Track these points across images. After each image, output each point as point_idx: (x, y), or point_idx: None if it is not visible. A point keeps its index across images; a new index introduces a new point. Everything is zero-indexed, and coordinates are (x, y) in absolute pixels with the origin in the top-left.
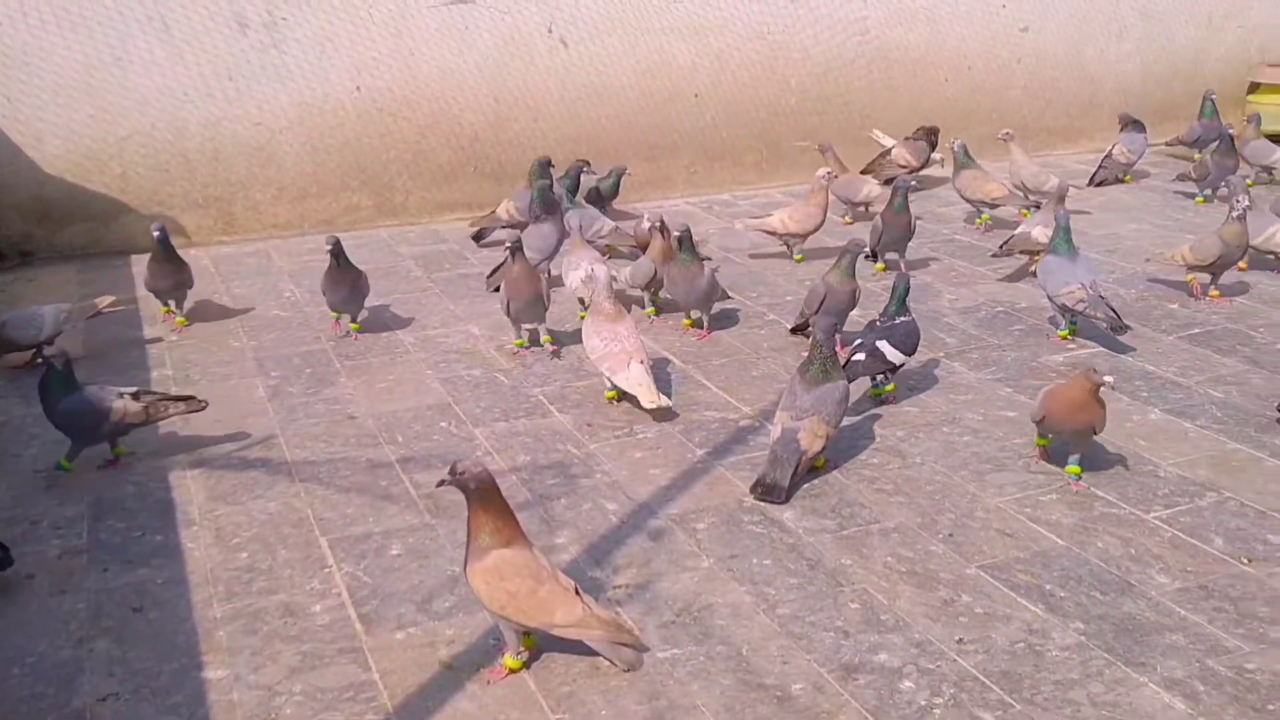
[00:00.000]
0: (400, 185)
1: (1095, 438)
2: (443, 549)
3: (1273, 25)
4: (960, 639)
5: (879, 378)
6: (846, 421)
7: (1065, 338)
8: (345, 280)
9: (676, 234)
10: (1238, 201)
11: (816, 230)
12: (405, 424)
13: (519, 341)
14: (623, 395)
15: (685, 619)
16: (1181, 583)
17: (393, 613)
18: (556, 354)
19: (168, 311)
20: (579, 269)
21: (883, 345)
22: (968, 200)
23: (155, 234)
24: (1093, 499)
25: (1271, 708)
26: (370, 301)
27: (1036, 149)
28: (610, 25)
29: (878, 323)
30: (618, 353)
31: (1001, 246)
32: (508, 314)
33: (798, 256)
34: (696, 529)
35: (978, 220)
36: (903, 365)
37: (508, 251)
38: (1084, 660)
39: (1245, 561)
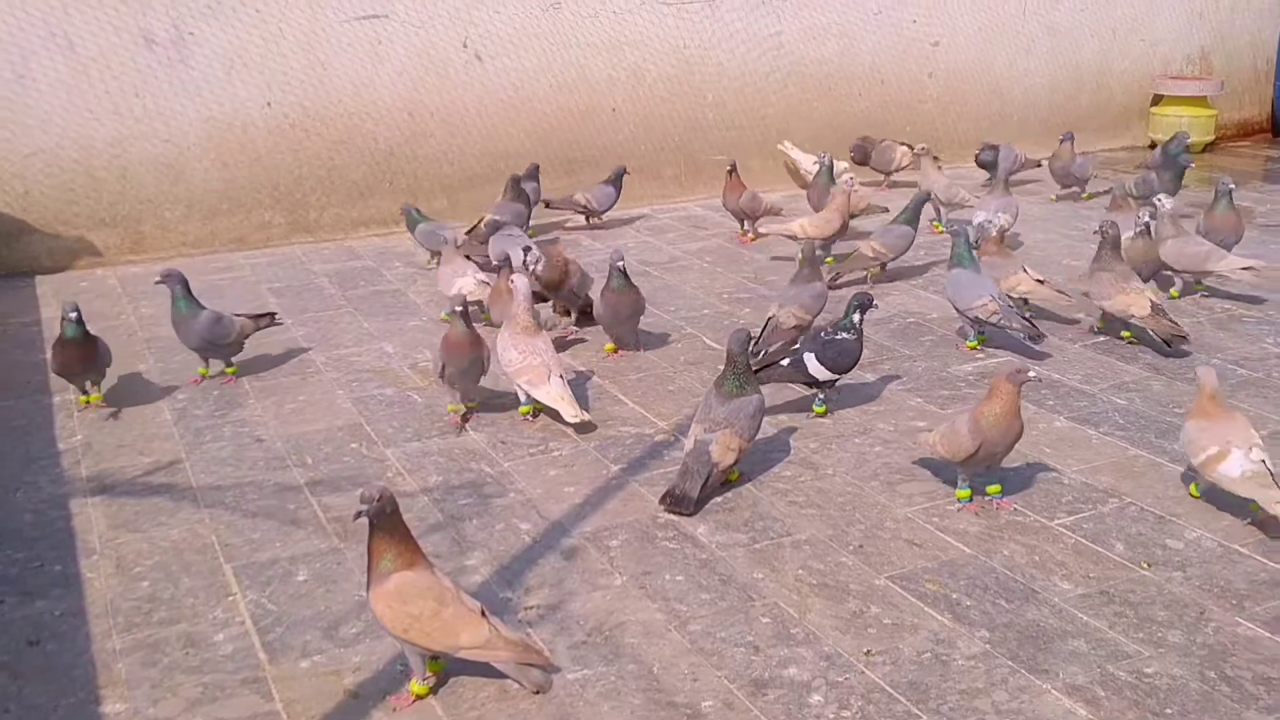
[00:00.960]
0: (314, 202)
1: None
2: (350, 573)
3: (1174, 39)
4: (869, 650)
5: (818, 394)
6: (761, 434)
7: (974, 348)
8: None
9: (620, 263)
10: (1139, 217)
11: (837, 236)
12: (315, 446)
13: (453, 407)
14: (538, 411)
15: (596, 639)
16: (1084, 589)
17: (298, 640)
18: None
19: (86, 401)
20: (465, 276)
21: (808, 358)
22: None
23: (71, 316)
24: (999, 507)
25: (1169, 711)
26: (282, 320)
27: (948, 161)
28: (526, 40)
29: (822, 334)
30: (537, 366)
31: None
32: (440, 376)
33: (829, 259)
34: (610, 546)
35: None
36: (830, 382)
37: (454, 313)
38: (989, 669)
39: (1145, 566)
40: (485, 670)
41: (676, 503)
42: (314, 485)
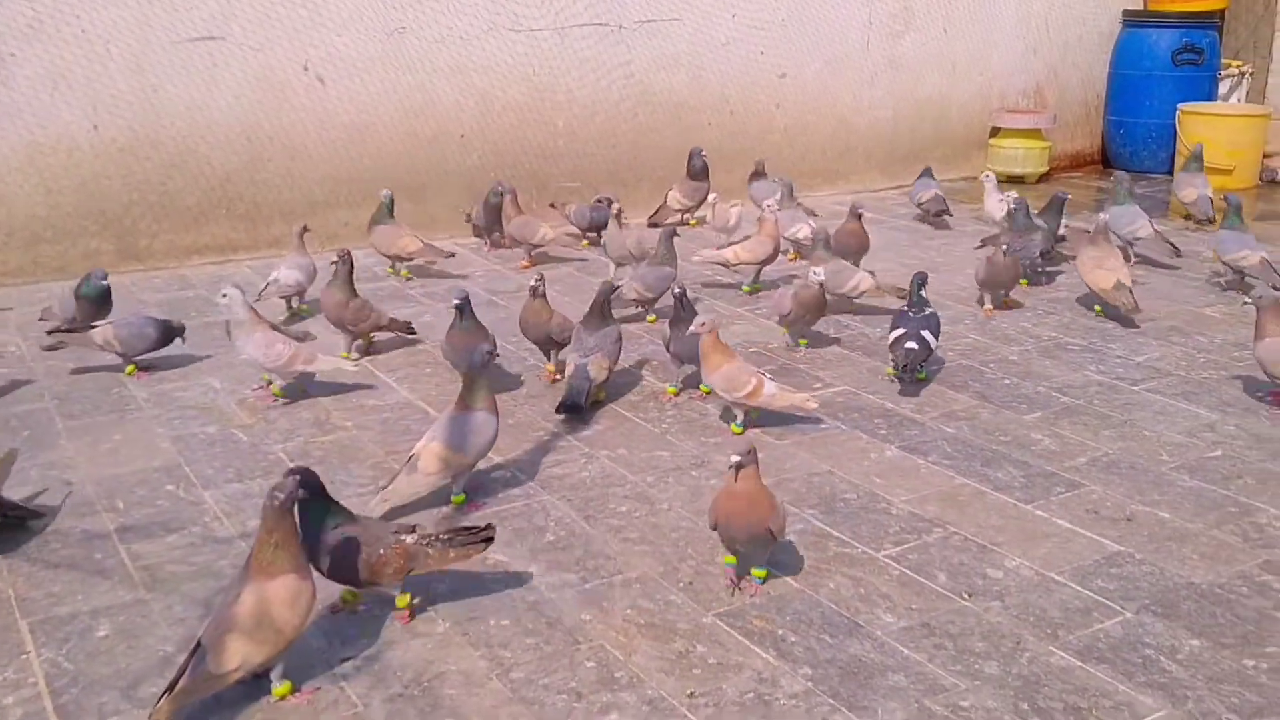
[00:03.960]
0: (144, 229)
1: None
2: (156, 626)
3: (1010, 73)
4: (692, 693)
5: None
6: (598, 470)
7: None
8: None
9: (456, 301)
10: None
11: (770, 260)
12: (128, 489)
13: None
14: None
15: (414, 690)
16: (906, 621)
17: (93, 702)
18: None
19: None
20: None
21: (926, 334)
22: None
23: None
24: (827, 539)
25: None
26: (104, 353)
27: (797, 190)
28: (370, 64)
29: (910, 314)
30: (304, 351)
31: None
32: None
33: (747, 288)
34: (436, 591)
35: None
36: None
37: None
38: (809, 707)
39: (966, 596)
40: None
41: (569, 410)
42: (123, 532)
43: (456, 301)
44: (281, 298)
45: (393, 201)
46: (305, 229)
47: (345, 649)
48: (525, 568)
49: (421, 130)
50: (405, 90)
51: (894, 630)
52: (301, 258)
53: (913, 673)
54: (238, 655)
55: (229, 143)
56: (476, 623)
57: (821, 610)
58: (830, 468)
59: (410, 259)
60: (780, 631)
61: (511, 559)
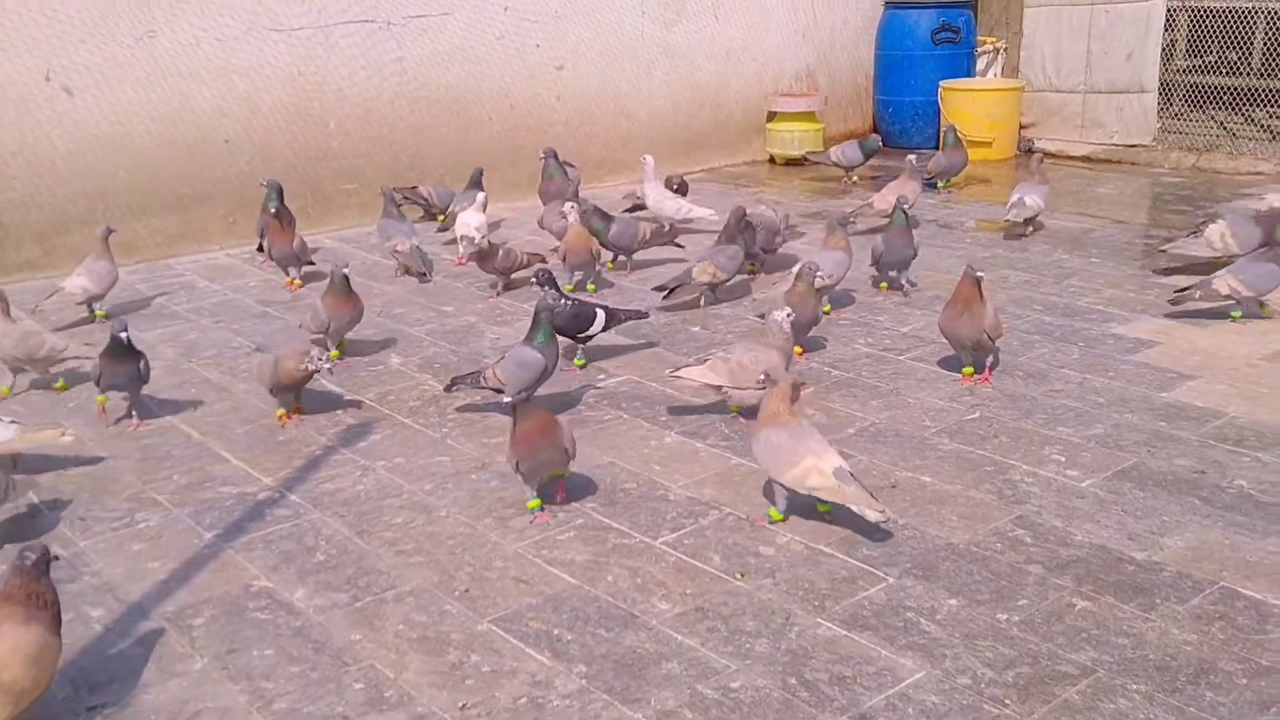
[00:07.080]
0: None
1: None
2: None
3: (783, 58)
4: (464, 705)
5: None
6: (373, 483)
7: (582, 366)
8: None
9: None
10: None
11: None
12: None
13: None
14: None
15: None
16: (681, 607)
17: None
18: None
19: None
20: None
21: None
22: None
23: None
24: (607, 531)
25: None
26: None
27: (584, 183)
28: (120, 71)
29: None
30: None
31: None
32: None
33: (591, 287)
34: (193, 625)
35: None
36: None
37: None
38: (583, 705)
39: (739, 577)
40: None
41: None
42: None
43: (345, 270)
44: (78, 304)
45: None
46: (110, 230)
47: (93, 696)
48: (291, 592)
49: (181, 138)
50: (161, 97)
51: (669, 618)
52: (98, 263)
53: (686, 659)
54: None
55: None
56: (236, 655)
57: (599, 605)
58: (612, 459)
59: None
60: (556, 631)
61: (277, 584)
